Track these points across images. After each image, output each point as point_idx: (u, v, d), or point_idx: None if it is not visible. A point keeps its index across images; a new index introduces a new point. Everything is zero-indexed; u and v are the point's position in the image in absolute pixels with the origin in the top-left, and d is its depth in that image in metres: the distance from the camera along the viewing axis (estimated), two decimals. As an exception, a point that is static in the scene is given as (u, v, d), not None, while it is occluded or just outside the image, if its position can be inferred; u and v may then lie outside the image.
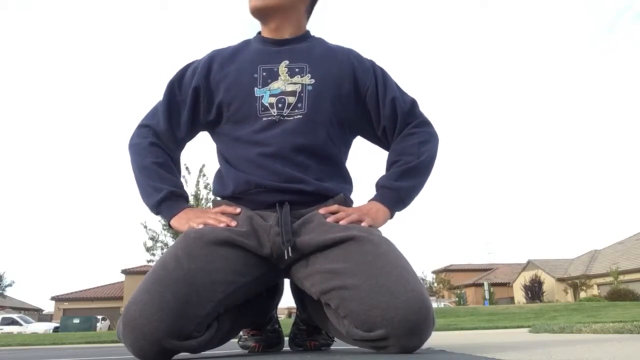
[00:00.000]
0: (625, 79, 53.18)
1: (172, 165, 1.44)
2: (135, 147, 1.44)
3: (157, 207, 1.37)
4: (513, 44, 57.99)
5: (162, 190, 1.36)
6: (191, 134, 1.48)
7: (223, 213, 1.31)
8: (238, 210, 1.32)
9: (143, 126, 1.46)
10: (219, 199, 1.41)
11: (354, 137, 1.52)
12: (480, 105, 58.51)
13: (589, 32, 59.24)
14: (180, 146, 1.49)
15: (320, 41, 1.50)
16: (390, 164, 1.44)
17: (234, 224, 1.27)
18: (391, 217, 1.38)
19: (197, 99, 1.43)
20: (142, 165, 1.40)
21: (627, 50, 51.94)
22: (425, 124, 1.49)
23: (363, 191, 1.48)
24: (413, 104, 1.49)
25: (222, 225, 1.26)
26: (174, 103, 1.44)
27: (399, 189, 1.38)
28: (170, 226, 1.37)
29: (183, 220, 1.33)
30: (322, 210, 1.30)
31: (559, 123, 56.75)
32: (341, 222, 1.25)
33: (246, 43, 1.50)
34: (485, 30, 61.26)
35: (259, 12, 1.43)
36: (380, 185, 1.40)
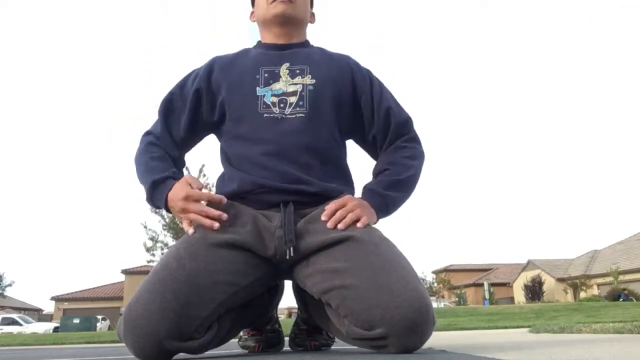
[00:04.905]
0: (626, 78, 53.20)
1: (167, 156, 1.42)
2: (136, 152, 1.45)
3: (151, 203, 1.37)
4: (512, 44, 58.02)
5: (148, 182, 1.33)
6: (193, 135, 1.48)
7: (210, 201, 1.28)
8: (225, 200, 1.29)
9: (146, 133, 1.48)
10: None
11: (347, 139, 1.52)
12: (480, 105, 58.53)
13: (589, 31, 59.24)
14: (181, 147, 1.48)
15: (319, 48, 1.53)
16: (378, 172, 1.44)
17: (224, 217, 1.25)
18: (375, 222, 1.36)
19: (199, 100, 1.44)
20: (138, 162, 1.41)
21: (627, 50, 51.94)
22: (416, 141, 1.50)
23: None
24: (408, 120, 1.50)
25: (207, 223, 1.24)
26: (171, 110, 1.45)
27: (386, 196, 1.37)
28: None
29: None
30: (323, 217, 1.28)
31: (559, 123, 56.78)
32: (339, 226, 1.24)
33: (246, 50, 1.52)
34: (485, 31, 61.26)
35: (284, 18, 1.44)
36: (368, 189, 1.40)
